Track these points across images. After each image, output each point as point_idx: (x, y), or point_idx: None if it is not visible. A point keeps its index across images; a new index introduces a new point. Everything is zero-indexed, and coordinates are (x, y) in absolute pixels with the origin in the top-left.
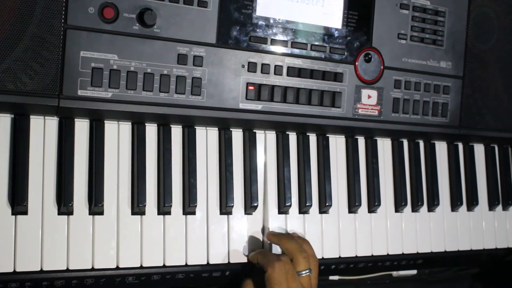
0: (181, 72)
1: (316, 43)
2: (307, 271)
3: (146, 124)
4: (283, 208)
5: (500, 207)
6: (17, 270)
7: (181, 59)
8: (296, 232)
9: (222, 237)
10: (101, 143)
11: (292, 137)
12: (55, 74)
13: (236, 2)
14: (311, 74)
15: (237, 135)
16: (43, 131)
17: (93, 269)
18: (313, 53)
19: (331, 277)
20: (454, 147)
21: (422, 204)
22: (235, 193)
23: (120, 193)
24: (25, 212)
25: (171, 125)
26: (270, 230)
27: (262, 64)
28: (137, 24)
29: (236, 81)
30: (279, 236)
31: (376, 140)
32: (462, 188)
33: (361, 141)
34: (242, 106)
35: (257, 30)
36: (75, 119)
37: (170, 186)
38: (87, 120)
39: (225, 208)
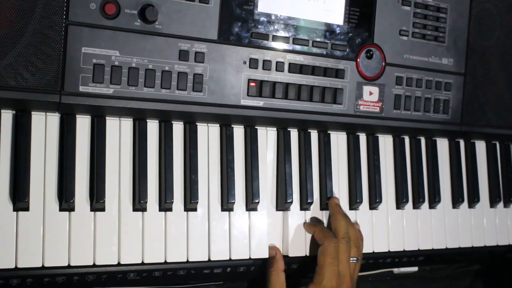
0: (182, 68)
1: (318, 40)
2: (355, 259)
3: (147, 120)
4: (284, 205)
5: (501, 204)
6: (19, 266)
7: (183, 55)
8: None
9: (223, 234)
10: (103, 139)
11: (294, 133)
12: (57, 70)
13: None
14: (312, 70)
15: (238, 132)
16: (44, 127)
17: (94, 265)
18: (315, 50)
19: None
20: (456, 144)
21: (424, 201)
22: (236, 190)
23: (122, 189)
24: (26, 209)
25: (172, 122)
26: (307, 221)
27: (264, 61)
28: (139, 20)
29: (238, 77)
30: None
31: (377, 136)
32: (463, 185)
33: (362, 137)
34: (243, 102)
35: (259, 27)
36: (77, 115)
37: (172, 182)
38: (89, 116)
39: (227, 204)
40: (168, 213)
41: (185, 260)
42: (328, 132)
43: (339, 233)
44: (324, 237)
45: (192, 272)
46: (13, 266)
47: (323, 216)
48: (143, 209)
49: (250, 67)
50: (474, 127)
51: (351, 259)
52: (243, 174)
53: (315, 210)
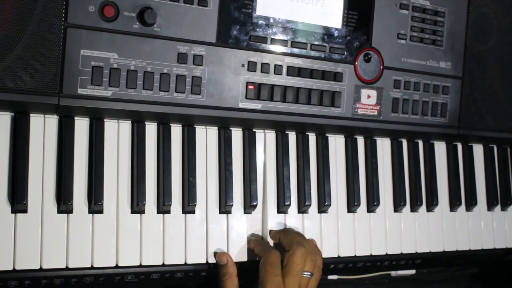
0: (181, 71)
1: (316, 43)
2: (309, 274)
3: (146, 123)
4: (282, 208)
5: (498, 207)
6: (17, 268)
7: (181, 58)
8: (300, 230)
9: (221, 236)
10: (101, 142)
11: (292, 136)
12: (55, 73)
13: (236, 1)
14: (310, 73)
15: (236, 134)
16: (43, 129)
17: (92, 267)
18: (313, 53)
19: (330, 277)
20: (453, 147)
21: (421, 204)
22: (234, 192)
23: (120, 191)
24: (25, 211)
25: (171, 124)
26: (273, 229)
27: (262, 64)
28: (138, 23)
29: (236, 80)
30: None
31: (375, 140)
32: (461, 188)
33: (360, 140)
34: (241, 105)
35: (257, 30)
36: (75, 118)
37: (170, 185)
38: (87, 119)
39: (225, 207)
40: (166, 215)
41: (183, 262)
42: (326, 135)
43: (292, 243)
44: (264, 250)
45: (190, 274)
46: (11, 268)
47: (321, 219)
48: (141, 212)
49: (248, 70)
50: (472, 130)
51: (305, 273)
52: (241, 176)
53: (313, 212)
